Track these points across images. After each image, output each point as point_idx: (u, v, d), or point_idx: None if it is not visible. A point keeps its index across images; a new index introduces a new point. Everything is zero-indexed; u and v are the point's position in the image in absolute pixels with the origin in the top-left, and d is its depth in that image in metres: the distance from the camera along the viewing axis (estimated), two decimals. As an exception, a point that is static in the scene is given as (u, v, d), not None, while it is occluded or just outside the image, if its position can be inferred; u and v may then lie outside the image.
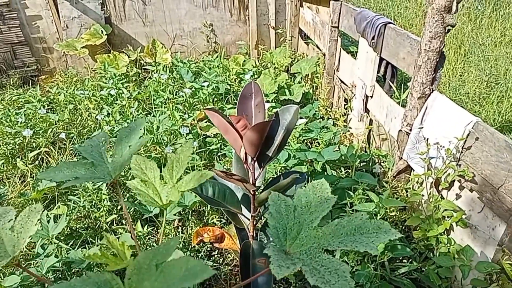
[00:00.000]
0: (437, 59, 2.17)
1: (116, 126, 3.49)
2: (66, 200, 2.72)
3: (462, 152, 2.06)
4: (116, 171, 1.01)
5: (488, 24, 6.19)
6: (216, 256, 2.46)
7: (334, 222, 0.86)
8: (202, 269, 0.59)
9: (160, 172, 0.98)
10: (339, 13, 3.60)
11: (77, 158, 3.31)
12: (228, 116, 1.72)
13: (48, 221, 2.31)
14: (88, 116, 3.84)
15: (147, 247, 2.43)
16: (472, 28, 6.06)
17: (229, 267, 2.42)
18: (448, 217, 2.15)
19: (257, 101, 1.84)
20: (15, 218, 0.92)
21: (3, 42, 4.77)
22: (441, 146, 2.15)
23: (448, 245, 2.12)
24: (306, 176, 2.11)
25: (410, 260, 2.29)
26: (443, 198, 2.25)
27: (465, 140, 2.01)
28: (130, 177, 2.85)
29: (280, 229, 0.84)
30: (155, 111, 3.89)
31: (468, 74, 4.84)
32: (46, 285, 2.07)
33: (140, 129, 1.08)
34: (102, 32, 4.80)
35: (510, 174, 1.77)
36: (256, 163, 1.85)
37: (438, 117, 2.20)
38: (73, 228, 2.56)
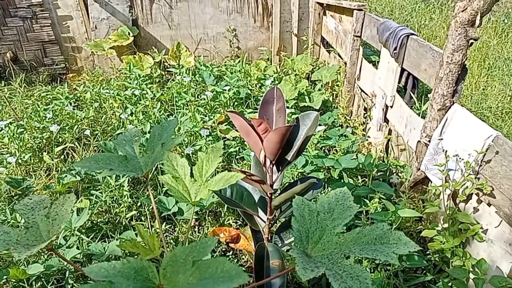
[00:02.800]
0: (459, 72, 2.18)
1: (139, 125, 3.59)
2: (89, 195, 2.81)
3: (481, 165, 2.05)
4: (148, 166, 1.07)
5: (514, 38, 6.10)
6: (230, 256, 2.50)
7: (355, 230, 0.90)
8: (237, 273, 0.63)
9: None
10: (362, 23, 3.63)
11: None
12: (249, 119, 1.77)
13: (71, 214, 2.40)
14: (112, 114, 3.96)
15: (165, 244, 2.49)
16: (498, 42, 5.98)
17: (243, 268, 2.46)
18: (464, 230, 2.15)
19: (278, 106, 1.89)
20: (50, 205, 0.99)
21: (35, 40, 4.96)
22: (460, 158, 2.15)
23: (463, 258, 2.11)
24: (323, 183, 2.14)
25: (424, 271, 2.29)
26: (460, 211, 2.24)
27: (485, 154, 2.01)
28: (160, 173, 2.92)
29: (303, 233, 0.88)
30: (177, 112, 3.98)
31: (492, 88, 4.78)
32: (68, 272, 2.15)
33: (173, 129, 1.14)
34: (129, 33, 4.94)
35: (529, 190, 1.76)
36: (274, 166, 1.90)
37: (458, 129, 2.21)
38: (94, 221, 2.65)
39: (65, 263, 2.12)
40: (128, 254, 2.35)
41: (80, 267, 2.29)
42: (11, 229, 0.92)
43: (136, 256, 0.91)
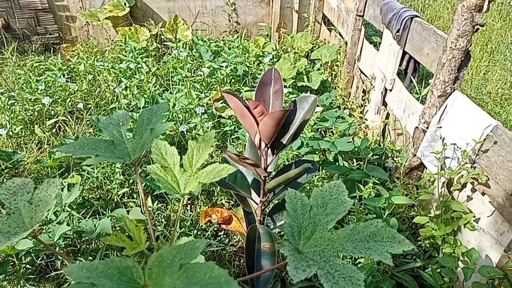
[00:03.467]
0: (462, 58, 2.12)
1: (133, 100, 3.52)
2: (80, 170, 2.78)
3: (478, 154, 2.03)
4: (136, 153, 1.02)
5: (518, 23, 5.99)
6: (222, 236, 2.50)
7: (349, 226, 0.87)
8: (226, 280, 0.60)
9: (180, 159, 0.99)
10: (365, 2, 3.52)
11: (93, 129, 3.36)
12: (245, 100, 1.73)
13: (62, 189, 2.37)
14: (106, 88, 3.88)
15: (157, 222, 2.48)
16: (501, 26, 5.87)
17: (234, 248, 2.47)
18: (457, 218, 2.15)
19: (276, 88, 1.84)
20: (34, 190, 0.95)
21: (27, 7, 4.80)
22: (457, 146, 2.12)
23: (454, 246, 2.12)
24: (318, 166, 2.11)
25: (414, 257, 2.30)
26: (454, 199, 2.24)
27: (483, 143, 1.98)
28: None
29: (295, 227, 0.85)
30: (172, 88, 3.91)
31: (492, 73, 4.71)
32: (57, 248, 2.14)
33: (163, 113, 1.09)
34: (125, 4, 4.80)
35: (525, 182, 1.75)
36: (269, 149, 1.87)
37: (457, 117, 2.17)
38: (86, 198, 2.63)
39: (55, 239, 2.11)
40: (119, 230, 2.34)
41: (70, 245, 2.28)
42: (-9, 215, 0.89)
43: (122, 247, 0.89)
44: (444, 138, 2.25)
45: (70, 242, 2.32)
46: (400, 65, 2.98)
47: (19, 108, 3.33)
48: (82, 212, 2.48)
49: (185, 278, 0.61)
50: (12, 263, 2.13)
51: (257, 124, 1.73)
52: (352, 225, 0.87)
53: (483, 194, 2.03)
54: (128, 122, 1.12)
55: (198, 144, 1.00)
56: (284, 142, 1.84)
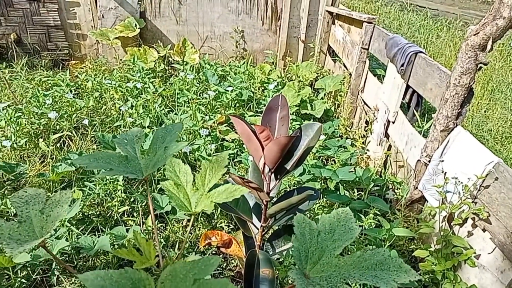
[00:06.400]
0: (465, 95, 2.17)
1: (138, 119, 3.56)
2: (82, 186, 2.78)
3: (479, 190, 2.04)
4: (149, 169, 1.04)
5: (519, 63, 6.13)
6: (220, 260, 2.48)
7: (356, 253, 0.87)
8: None
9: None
10: (371, 36, 3.62)
11: (96, 146, 3.38)
12: (252, 125, 1.75)
13: (63, 204, 2.37)
14: (113, 106, 3.93)
15: (160, 252, 2.46)
16: (502, 65, 5.99)
17: (232, 273, 2.44)
18: (457, 253, 2.14)
19: (282, 114, 1.87)
20: (46, 201, 0.96)
21: (40, 24, 4.92)
22: (459, 181, 2.14)
23: (454, 282, 2.10)
24: (319, 193, 2.12)
25: (413, 291, 2.27)
26: (454, 234, 2.24)
27: (484, 179, 2.00)
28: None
29: (302, 252, 0.86)
30: (177, 109, 3.95)
31: (493, 111, 4.78)
32: (54, 264, 2.12)
33: (177, 133, 1.11)
34: (135, 25, 4.91)
35: (526, 220, 1.75)
36: (273, 174, 1.88)
37: (459, 152, 2.20)
38: (86, 214, 2.62)
39: (54, 252, 2.09)
40: (118, 246, 2.32)
41: (67, 261, 2.26)
42: (3, 222, 0.89)
43: (125, 256, 0.89)
44: (446, 172, 2.27)
45: (67, 258, 2.29)
46: (403, 98, 3.03)
47: (25, 121, 3.36)
48: (81, 228, 2.47)
49: (199, 294, 0.62)
50: (7, 277, 2.11)
51: (262, 148, 1.75)
52: (359, 252, 0.88)
53: (484, 230, 2.03)
54: (143, 139, 1.14)
55: (212, 164, 1.02)
56: (288, 168, 1.85)
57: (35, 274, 2.17)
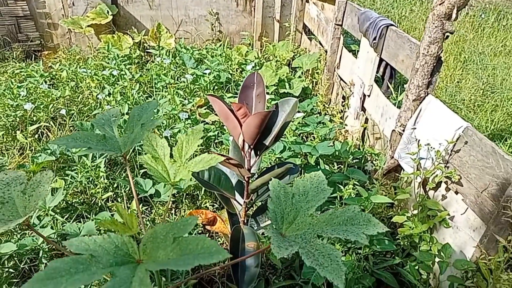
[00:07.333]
0: (434, 64, 2.24)
1: (116, 106, 3.54)
2: (64, 175, 2.77)
3: (451, 155, 2.14)
4: (127, 146, 1.07)
5: (489, 34, 6.27)
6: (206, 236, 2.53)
7: (328, 211, 0.93)
8: (217, 250, 0.65)
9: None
10: (344, 12, 3.65)
11: (76, 135, 3.35)
12: (229, 103, 1.79)
13: (45, 193, 2.37)
14: (89, 94, 3.89)
15: (142, 223, 2.49)
16: (474, 36, 6.13)
17: (219, 250, 2.50)
18: (432, 216, 2.24)
19: (258, 92, 1.90)
20: (27, 182, 0.98)
21: (9, 14, 4.78)
22: (431, 147, 2.23)
23: (430, 243, 2.21)
24: (299, 168, 2.18)
25: (393, 255, 2.38)
26: (429, 198, 2.34)
27: (455, 144, 2.09)
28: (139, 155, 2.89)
29: (278, 213, 0.91)
30: (155, 94, 3.94)
31: (466, 81, 4.92)
32: (41, 252, 2.14)
33: (152, 110, 1.14)
34: (107, 12, 4.82)
35: (494, 179, 1.85)
36: (253, 151, 1.92)
37: (431, 119, 2.28)
38: (69, 202, 2.63)
39: (39, 242, 2.11)
40: (104, 231, 2.35)
41: (54, 249, 2.27)
42: (-14, 205, 0.91)
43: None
44: (419, 140, 2.35)
45: (54, 247, 2.31)
46: (377, 72, 3.10)
47: (0, 114, 3.31)
48: (66, 217, 2.48)
49: (178, 250, 0.66)
50: (-6, 267, 2.12)
51: (241, 125, 1.79)
52: (331, 210, 0.94)
53: (456, 192, 2.13)
54: (119, 118, 1.16)
55: (187, 136, 1.06)
56: (266, 144, 1.90)
57: (23, 263, 2.18)
